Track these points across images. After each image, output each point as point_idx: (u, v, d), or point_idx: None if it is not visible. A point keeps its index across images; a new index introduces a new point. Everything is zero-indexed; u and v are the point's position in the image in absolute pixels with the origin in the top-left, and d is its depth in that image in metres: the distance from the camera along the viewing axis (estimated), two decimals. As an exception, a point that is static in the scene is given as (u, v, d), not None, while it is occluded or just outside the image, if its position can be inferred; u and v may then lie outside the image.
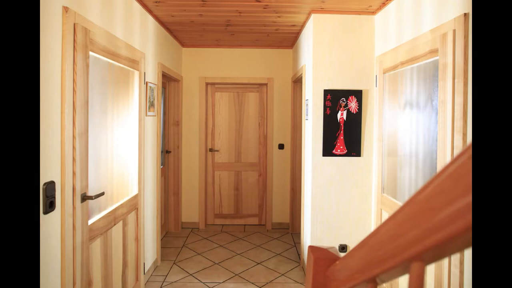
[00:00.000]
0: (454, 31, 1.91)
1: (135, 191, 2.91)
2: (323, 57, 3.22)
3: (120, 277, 2.63)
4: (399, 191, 2.74)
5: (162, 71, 3.74)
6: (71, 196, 1.87)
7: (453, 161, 0.44)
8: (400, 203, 2.67)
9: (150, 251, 3.44)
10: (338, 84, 3.22)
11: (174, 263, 3.78)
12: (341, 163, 3.24)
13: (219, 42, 4.61)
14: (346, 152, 3.23)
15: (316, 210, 3.27)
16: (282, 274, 3.55)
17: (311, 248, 0.95)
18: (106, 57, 2.28)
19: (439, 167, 2.07)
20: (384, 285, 2.82)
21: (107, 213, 2.35)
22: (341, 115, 3.21)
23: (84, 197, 1.99)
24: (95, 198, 2.05)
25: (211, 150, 5.02)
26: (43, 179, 1.64)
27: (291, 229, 4.88)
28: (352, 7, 3.08)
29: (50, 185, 1.68)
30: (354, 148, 3.22)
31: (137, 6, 2.95)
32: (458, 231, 0.41)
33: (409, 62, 2.47)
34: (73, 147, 1.87)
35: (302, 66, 3.75)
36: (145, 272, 3.26)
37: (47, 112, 1.66)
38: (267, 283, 3.37)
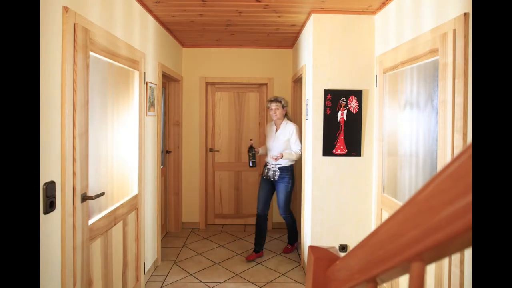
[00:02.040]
0: (454, 31, 1.91)
1: (135, 191, 2.91)
2: (323, 57, 3.22)
3: (121, 277, 2.63)
4: (399, 191, 2.74)
5: (162, 71, 3.74)
6: (71, 196, 1.87)
7: (453, 161, 0.44)
8: (400, 203, 2.67)
9: (150, 251, 3.44)
10: (338, 84, 3.22)
11: (174, 263, 3.78)
12: (341, 163, 3.24)
13: (219, 42, 4.61)
14: (346, 152, 3.23)
15: (316, 210, 3.27)
16: (282, 274, 3.55)
17: (312, 248, 0.95)
18: (106, 57, 2.28)
19: (439, 167, 2.07)
20: (384, 285, 2.82)
21: (107, 213, 2.35)
22: (341, 115, 3.21)
23: (84, 197, 2.00)
24: (95, 198, 2.05)
25: (211, 150, 5.02)
26: (43, 179, 1.64)
27: (291, 229, 4.87)
28: (352, 7, 3.08)
29: (50, 185, 1.68)
30: (354, 148, 3.22)
31: (137, 6, 2.95)
32: (458, 231, 0.41)
33: (409, 62, 2.47)
34: (73, 147, 1.87)
35: (302, 66, 3.75)
36: (146, 272, 3.26)
37: (47, 112, 1.66)
38: (267, 283, 3.37)
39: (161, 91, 3.69)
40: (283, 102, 3.84)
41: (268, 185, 3.91)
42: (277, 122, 3.90)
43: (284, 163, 3.79)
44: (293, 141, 3.78)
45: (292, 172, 3.88)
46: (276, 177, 3.77)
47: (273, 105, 3.83)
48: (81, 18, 1.93)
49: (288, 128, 3.81)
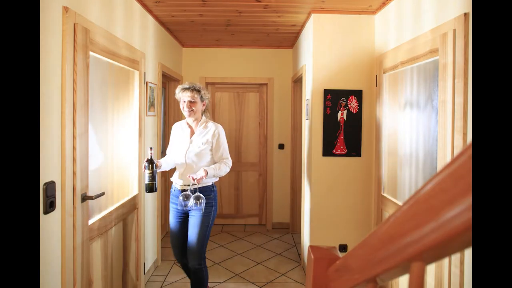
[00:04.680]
0: (454, 30, 1.91)
1: (135, 191, 2.91)
2: (323, 57, 3.22)
3: (121, 277, 2.63)
4: (399, 191, 2.74)
5: (162, 71, 3.74)
6: (71, 196, 1.87)
7: (453, 160, 0.44)
8: (400, 203, 2.67)
9: (150, 251, 3.44)
10: (338, 84, 3.22)
11: (174, 263, 3.78)
12: (341, 163, 3.24)
13: (219, 42, 4.61)
14: (346, 152, 3.22)
15: (316, 210, 3.27)
16: (283, 274, 3.55)
17: (312, 248, 0.95)
18: (106, 57, 2.28)
19: (439, 167, 2.07)
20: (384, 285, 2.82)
21: (107, 213, 2.35)
22: (341, 115, 3.21)
23: (84, 197, 2.00)
24: (95, 198, 2.05)
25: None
26: (43, 179, 1.64)
27: (291, 229, 4.88)
28: (352, 7, 3.08)
29: (51, 185, 1.68)
30: (354, 148, 3.22)
31: (137, 6, 2.95)
32: (458, 231, 0.41)
33: (409, 62, 2.47)
34: (73, 147, 1.87)
35: (302, 66, 3.75)
36: (146, 272, 3.26)
37: (47, 112, 1.66)
38: (268, 283, 3.37)
39: (161, 91, 3.69)
40: (202, 93, 2.58)
41: (183, 219, 2.62)
42: (192, 121, 2.64)
43: (208, 181, 2.57)
44: (220, 149, 2.60)
45: (216, 195, 2.64)
46: (202, 206, 2.45)
47: (188, 96, 2.53)
48: (81, 18, 1.93)
49: (209, 131, 2.60)
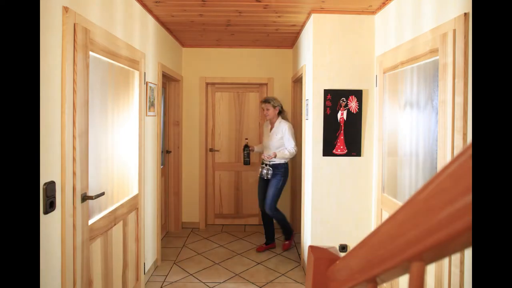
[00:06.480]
0: (454, 31, 1.91)
1: (135, 191, 2.91)
2: (323, 57, 3.22)
3: (121, 277, 2.63)
4: (399, 191, 2.74)
5: (162, 71, 3.74)
6: (72, 196, 1.87)
7: (453, 160, 0.44)
8: (400, 203, 2.66)
9: (150, 251, 3.44)
10: (338, 84, 3.22)
11: (174, 263, 3.78)
12: (341, 163, 3.24)
13: (219, 42, 4.61)
14: (346, 152, 3.22)
15: (316, 210, 3.27)
16: (282, 274, 3.55)
17: (312, 248, 0.95)
18: (106, 57, 2.28)
19: (439, 167, 2.07)
20: (384, 285, 2.82)
21: (108, 213, 2.35)
22: (341, 115, 3.21)
23: (85, 197, 1.99)
24: (95, 198, 2.05)
25: (211, 150, 5.02)
26: (43, 179, 1.64)
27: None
28: (352, 7, 3.08)
29: (50, 185, 1.68)
30: (354, 148, 3.22)
31: (137, 6, 2.94)
32: (458, 231, 0.41)
33: (409, 62, 2.47)
34: (73, 147, 1.87)
35: (302, 66, 3.75)
36: (146, 272, 3.26)
37: (47, 112, 1.66)
38: (267, 283, 3.37)
39: (161, 91, 3.69)
40: (272, 102, 3.96)
41: (264, 183, 4.06)
42: (272, 121, 4.04)
43: (277, 160, 3.93)
44: (286, 140, 3.91)
45: (286, 170, 4.00)
46: (269, 176, 3.93)
47: (263, 105, 4.03)
48: (81, 18, 1.93)
49: (281, 127, 3.95)
